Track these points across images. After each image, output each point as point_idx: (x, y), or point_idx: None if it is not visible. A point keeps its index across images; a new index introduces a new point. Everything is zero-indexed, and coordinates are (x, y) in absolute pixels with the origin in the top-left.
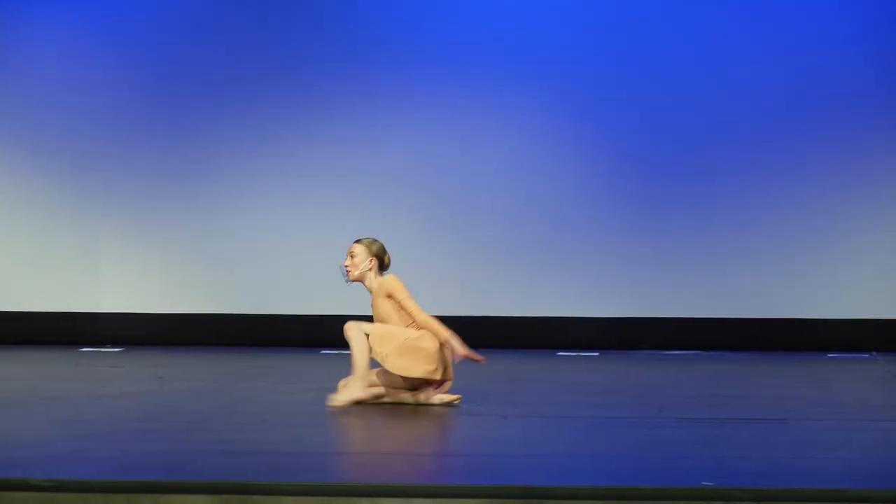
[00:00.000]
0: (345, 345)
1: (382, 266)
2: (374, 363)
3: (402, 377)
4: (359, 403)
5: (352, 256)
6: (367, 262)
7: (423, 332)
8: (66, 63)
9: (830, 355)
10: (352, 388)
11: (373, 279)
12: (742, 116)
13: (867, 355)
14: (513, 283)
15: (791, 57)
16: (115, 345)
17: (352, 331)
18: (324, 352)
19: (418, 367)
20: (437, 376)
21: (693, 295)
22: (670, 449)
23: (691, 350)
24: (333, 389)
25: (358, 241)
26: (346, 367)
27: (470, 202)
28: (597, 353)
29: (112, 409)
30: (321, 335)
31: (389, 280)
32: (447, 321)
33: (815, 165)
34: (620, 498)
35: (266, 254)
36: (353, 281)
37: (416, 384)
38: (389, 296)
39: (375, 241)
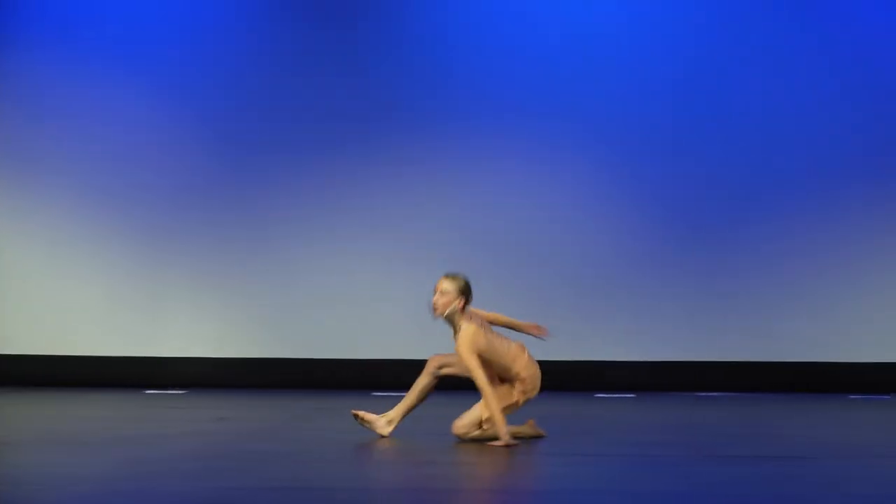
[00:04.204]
0: (394, 387)
1: (467, 304)
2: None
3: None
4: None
5: (441, 293)
6: (456, 301)
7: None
8: (134, 123)
9: (852, 397)
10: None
11: (459, 318)
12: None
13: (887, 396)
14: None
15: (829, 116)
16: (178, 388)
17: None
18: (375, 394)
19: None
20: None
21: (724, 339)
22: (705, 486)
23: (724, 392)
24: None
25: (448, 277)
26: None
27: (512, 249)
28: (633, 395)
29: (174, 449)
30: (374, 378)
31: (462, 332)
32: None
33: (836, 211)
34: None
35: (322, 302)
36: (440, 317)
37: None
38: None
39: (464, 278)
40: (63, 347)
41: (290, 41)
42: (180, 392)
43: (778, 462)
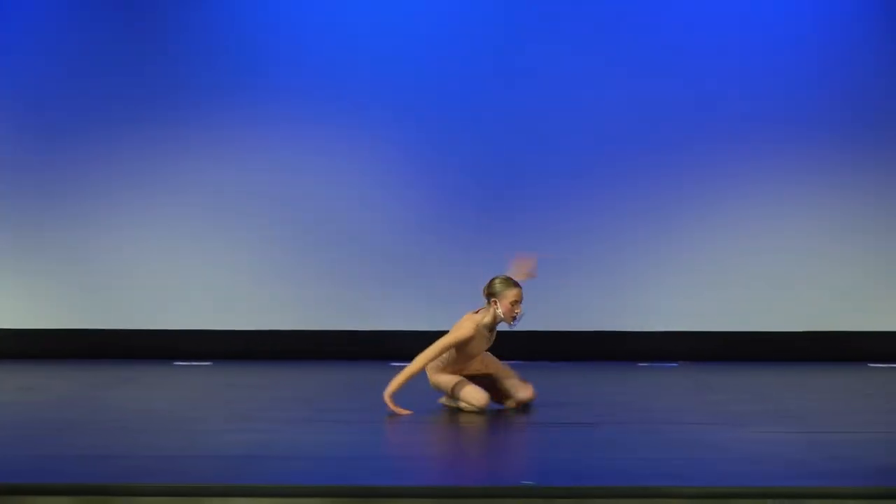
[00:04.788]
0: (196, 357)
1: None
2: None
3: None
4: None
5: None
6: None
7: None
8: None
9: (641, 364)
10: None
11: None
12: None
13: (674, 364)
14: (355, 298)
15: (660, 85)
16: None
17: None
18: (176, 363)
19: None
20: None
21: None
22: (495, 450)
23: (516, 360)
24: (186, 398)
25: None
26: (195, 378)
27: (308, 220)
28: None
29: None
30: (176, 347)
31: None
32: (301, 335)
33: (627, 185)
34: (450, 496)
35: (123, 272)
36: None
37: None
38: None
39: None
40: None
41: (77, 27)
42: None
43: (566, 428)
